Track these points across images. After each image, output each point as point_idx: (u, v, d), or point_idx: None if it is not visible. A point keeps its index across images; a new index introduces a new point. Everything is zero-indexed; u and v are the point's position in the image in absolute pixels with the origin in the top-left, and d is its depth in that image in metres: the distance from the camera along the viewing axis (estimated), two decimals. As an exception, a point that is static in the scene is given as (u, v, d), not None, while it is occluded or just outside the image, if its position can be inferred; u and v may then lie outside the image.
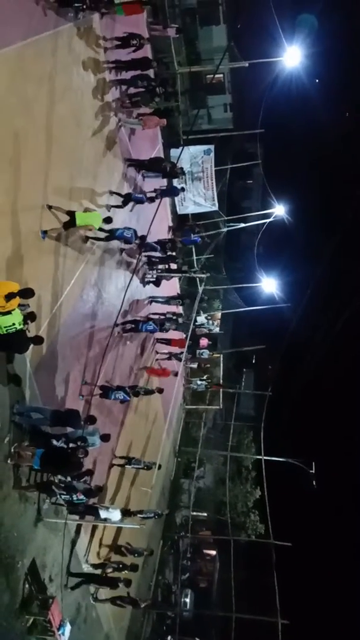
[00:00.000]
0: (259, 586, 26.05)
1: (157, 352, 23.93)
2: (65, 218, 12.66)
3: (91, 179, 15.42)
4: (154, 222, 18.79)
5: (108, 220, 14.16)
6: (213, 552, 35.69)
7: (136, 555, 17.99)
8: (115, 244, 16.99)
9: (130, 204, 18.11)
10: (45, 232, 12.03)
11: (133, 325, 19.07)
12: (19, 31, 10.95)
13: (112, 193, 17.02)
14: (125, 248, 17.99)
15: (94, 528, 15.37)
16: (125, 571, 15.38)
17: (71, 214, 12.67)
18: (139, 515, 18.50)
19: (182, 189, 25.03)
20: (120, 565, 15.51)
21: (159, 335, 23.35)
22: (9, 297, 9.03)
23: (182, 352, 23.57)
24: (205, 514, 34.25)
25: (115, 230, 15.78)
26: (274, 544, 26.96)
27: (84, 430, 11.45)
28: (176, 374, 23.60)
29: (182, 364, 26.46)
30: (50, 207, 12.28)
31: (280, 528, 28.03)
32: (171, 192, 23.82)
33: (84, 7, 13.72)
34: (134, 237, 16.32)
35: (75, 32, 14.15)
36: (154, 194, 20.15)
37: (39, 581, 11.58)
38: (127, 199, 17.48)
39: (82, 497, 11.37)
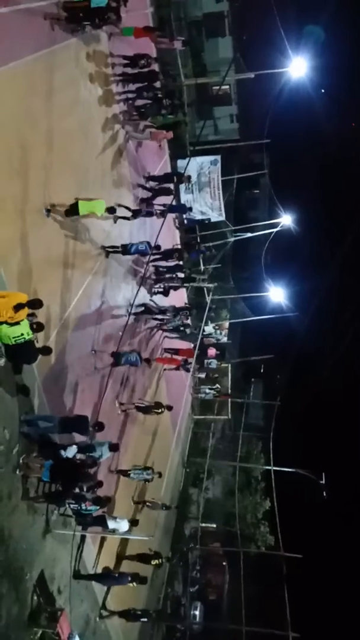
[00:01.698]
0: (269, 599, 25.74)
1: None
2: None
3: (99, 190, 15.50)
4: (161, 233, 18.89)
5: (111, 210, 14.13)
6: (223, 564, 35.35)
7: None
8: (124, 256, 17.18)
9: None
10: (48, 211, 12.02)
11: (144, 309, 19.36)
12: (27, 45, 11.11)
13: (119, 206, 17.05)
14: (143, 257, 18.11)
15: (102, 539, 15.28)
16: (134, 583, 15.25)
17: (74, 204, 12.60)
18: (147, 504, 18.61)
19: (190, 209, 25.11)
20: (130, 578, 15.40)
21: (166, 345, 23.39)
22: (18, 307, 9.06)
23: (190, 363, 23.51)
24: (215, 526, 33.96)
25: (129, 246, 16.18)
26: (284, 555, 26.67)
27: (92, 437, 11.43)
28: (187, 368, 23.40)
29: (190, 375, 26.42)
30: (49, 210, 12.11)
31: (290, 540, 27.73)
32: (179, 208, 23.91)
33: (94, 25, 13.92)
34: (148, 249, 16.51)
35: (82, 45, 14.34)
36: (162, 209, 20.33)
37: (48, 593, 11.51)
38: (136, 213, 17.59)
39: (90, 507, 11.33)
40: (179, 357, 23.53)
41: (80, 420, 11.57)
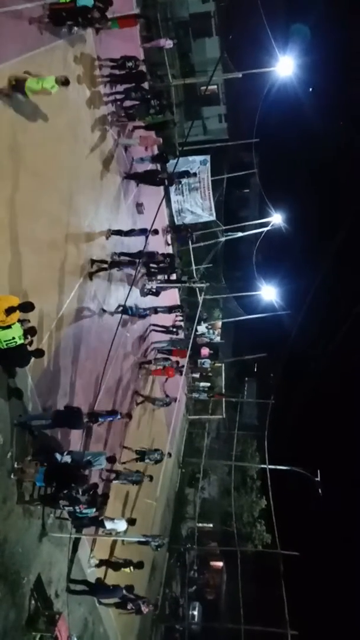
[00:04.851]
0: (267, 597, 25.82)
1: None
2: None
3: (89, 191, 15.50)
4: (152, 240, 19.06)
5: (65, 82, 11.77)
6: (220, 564, 35.42)
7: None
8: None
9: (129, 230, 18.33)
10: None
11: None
12: (14, 48, 11.05)
13: (111, 233, 17.10)
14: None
15: (97, 539, 15.22)
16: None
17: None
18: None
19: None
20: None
21: (159, 345, 23.36)
22: (9, 311, 9.02)
23: (183, 365, 23.48)
24: (211, 525, 34.03)
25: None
26: (281, 553, 26.74)
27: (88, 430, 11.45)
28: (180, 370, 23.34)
29: (183, 376, 26.37)
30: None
31: (287, 537, 27.81)
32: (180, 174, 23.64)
33: (78, 24, 13.85)
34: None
35: (69, 47, 14.27)
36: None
37: (45, 597, 11.47)
38: (129, 233, 17.70)
39: (85, 510, 11.30)
40: (173, 358, 23.46)
41: (73, 413, 11.65)
